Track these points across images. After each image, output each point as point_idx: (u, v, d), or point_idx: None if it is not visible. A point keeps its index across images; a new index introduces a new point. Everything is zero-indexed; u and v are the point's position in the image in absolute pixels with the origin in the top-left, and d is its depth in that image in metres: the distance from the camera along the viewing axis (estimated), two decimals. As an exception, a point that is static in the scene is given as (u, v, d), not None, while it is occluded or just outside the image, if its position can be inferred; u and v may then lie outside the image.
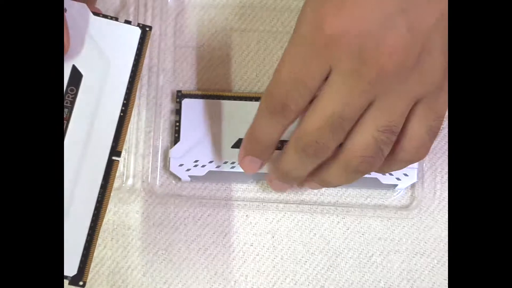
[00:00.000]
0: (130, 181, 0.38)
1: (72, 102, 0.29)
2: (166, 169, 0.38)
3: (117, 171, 0.36)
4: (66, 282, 0.28)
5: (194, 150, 0.37)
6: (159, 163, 0.38)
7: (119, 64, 0.30)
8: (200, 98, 0.38)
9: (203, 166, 0.37)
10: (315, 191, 0.38)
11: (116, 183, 0.38)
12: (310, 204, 0.38)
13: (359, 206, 0.38)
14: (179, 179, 0.38)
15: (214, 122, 0.38)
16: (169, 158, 0.37)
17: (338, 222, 0.38)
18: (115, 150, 0.29)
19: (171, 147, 0.38)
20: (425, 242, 0.38)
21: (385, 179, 0.37)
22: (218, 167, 0.37)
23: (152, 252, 0.37)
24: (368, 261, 0.38)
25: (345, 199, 0.38)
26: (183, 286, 0.37)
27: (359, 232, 0.38)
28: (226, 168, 0.37)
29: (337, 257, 0.38)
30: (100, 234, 0.37)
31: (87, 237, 0.28)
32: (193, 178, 0.38)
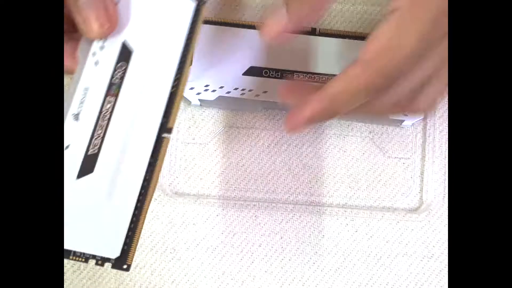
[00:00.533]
0: None
1: (122, 78, 0.28)
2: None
3: None
4: (109, 265, 0.27)
5: (206, 75, 0.37)
6: (169, 153, 0.38)
7: (172, 39, 0.29)
8: (215, 25, 0.38)
9: (213, 90, 0.37)
10: (325, 192, 0.38)
11: None
12: (319, 206, 0.38)
13: (368, 208, 0.38)
14: (190, 102, 0.38)
15: (227, 49, 0.38)
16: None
17: (347, 224, 0.38)
18: (166, 127, 0.28)
19: None
20: (433, 246, 0.38)
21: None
22: (228, 92, 0.37)
23: (160, 251, 0.37)
24: (376, 263, 0.38)
25: (354, 201, 0.38)
26: (191, 285, 0.37)
27: (367, 234, 0.38)
28: (236, 94, 0.37)
29: (345, 259, 0.38)
30: None
31: (132, 218, 0.26)
32: (203, 102, 0.38)
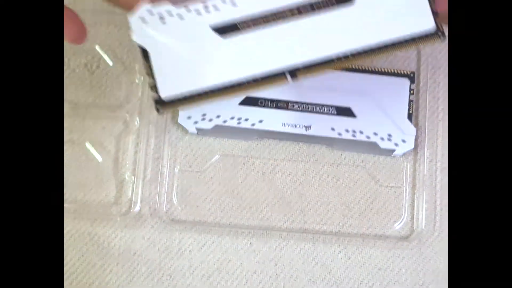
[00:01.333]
0: (137, 207, 0.38)
1: None
2: (174, 121, 0.39)
3: (125, 197, 0.38)
4: None
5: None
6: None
7: None
8: None
9: (210, 119, 0.38)
10: (318, 220, 0.39)
11: (123, 208, 0.39)
12: (313, 233, 0.39)
13: (361, 236, 0.39)
14: (187, 131, 0.39)
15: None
16: (178, 110, 0.39)
17: (340, 251, 0.39)
18: None
19: None
20: (424, 273, 0.39)
21: (384, 144, 0.39)
22: (224, 122, 0.38)
23: (156, 278, 0.38)
24: (368, 291, 0.38)
25: (347, 229, 0.39)
26: (186, 312, 0.38)
27: (359, 262, 0.39)
28: (233, 123, 0.38)
29: (337, 286, 0.38)
30: (105, 259, 0.38)
31: None
32: (200, 131, 0.39)
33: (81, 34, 0.29)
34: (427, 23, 0.29)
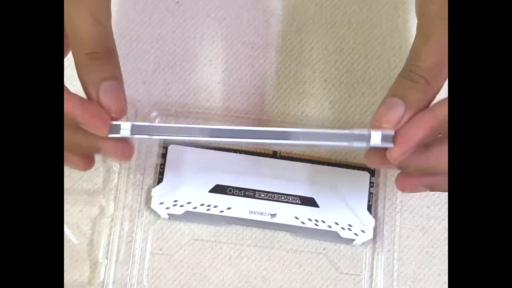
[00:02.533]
0: None
1: None
2: (148, 206, 0.42)
3: (98, 278, 0.40)
4: None
5: (175, 191, 0.42)
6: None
7: None
8: (185, 146, 0.42)
9: (181, 206, 0.41)
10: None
11: None
12: None
13: None
14: (159, 216, 0.41)
15: (195, 168, 0.42)
16: (151, 196, 0.41)
17: None
18: None
19: (153, 186, 0.42)
20: None
21: (344, 233, 0.41)
22: (194, 208, 0.41)
23: None
24: None
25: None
26: None
27: None
28: (202, 210, 0.41)
29: None
30: None
31: None
32: (171, 216, 0.41)
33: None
34: None
